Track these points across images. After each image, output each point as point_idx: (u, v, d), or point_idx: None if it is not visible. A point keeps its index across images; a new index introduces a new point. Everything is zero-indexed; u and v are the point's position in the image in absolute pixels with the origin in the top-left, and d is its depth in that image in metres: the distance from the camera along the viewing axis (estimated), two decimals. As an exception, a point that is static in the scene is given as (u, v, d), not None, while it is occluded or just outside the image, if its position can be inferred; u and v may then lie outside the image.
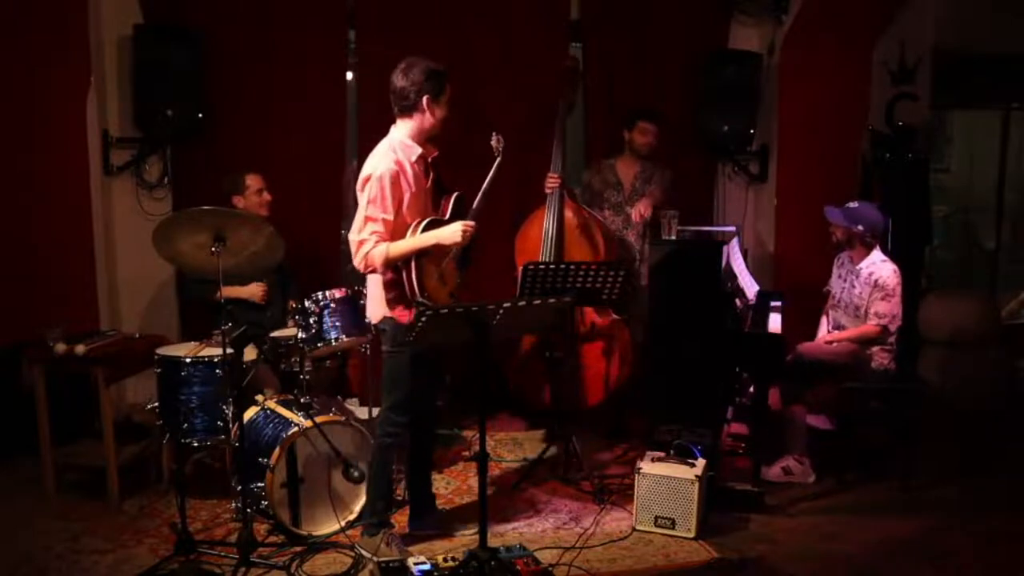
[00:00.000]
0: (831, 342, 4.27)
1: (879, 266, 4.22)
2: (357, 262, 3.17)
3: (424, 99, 3.19)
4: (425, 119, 3.23)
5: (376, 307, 3.31)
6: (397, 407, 3.30)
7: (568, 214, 4.55)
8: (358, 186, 3.21)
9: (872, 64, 5.70)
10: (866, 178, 5.67)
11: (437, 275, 3.24)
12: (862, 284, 4.24)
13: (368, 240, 3.12)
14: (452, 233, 3.15)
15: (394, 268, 3.17)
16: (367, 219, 3.14)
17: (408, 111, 3.23)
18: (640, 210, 4.68)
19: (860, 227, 4.26)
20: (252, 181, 4.35)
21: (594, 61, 5.42)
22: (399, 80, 3.21)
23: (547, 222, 4.54)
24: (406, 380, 3.28)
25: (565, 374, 4.37)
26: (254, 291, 4.32)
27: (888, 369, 4.23)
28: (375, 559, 3.21)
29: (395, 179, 3.15)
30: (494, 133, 3.34)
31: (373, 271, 3.19)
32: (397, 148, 3.22)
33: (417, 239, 3.15)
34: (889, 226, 4.74)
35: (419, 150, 3.25)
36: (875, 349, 4.22)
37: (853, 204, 4.37)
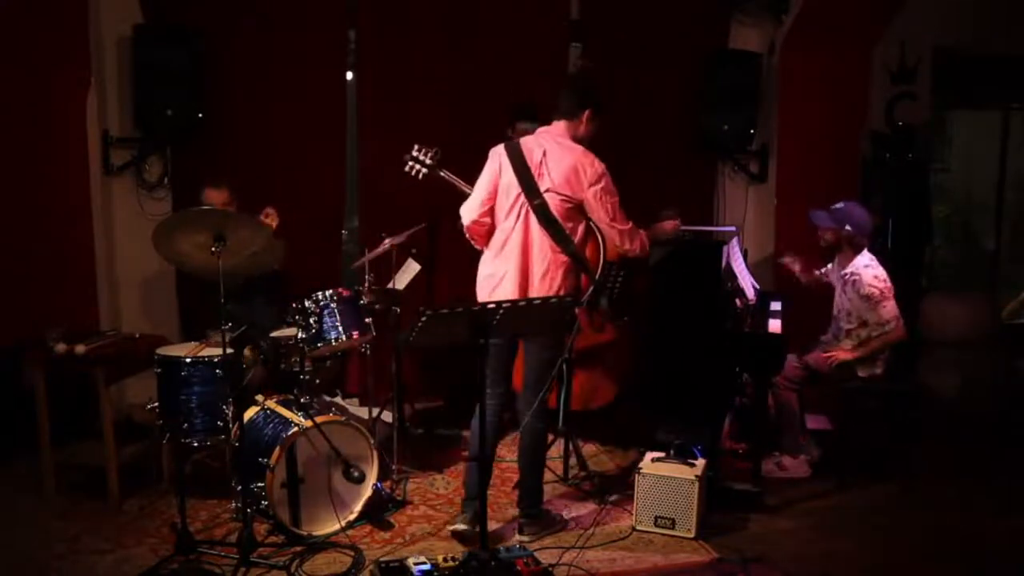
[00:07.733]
0: (845, 360, 4.12)
1: (861, 272, 4.13)
2: (633, 246, 3.35)
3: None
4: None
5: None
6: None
7: None
8: (589, 179, 3.26)
9: (872, 64, 5.71)
10: (866, 178, 5.66)
11: None
12: (849, 289, 4.19)
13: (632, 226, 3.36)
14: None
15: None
16: (618, 206, 3.31)
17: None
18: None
19: (848, 228, 4.18)
20: (211, 196, 4.22)
21: (594, 61, 5.41)
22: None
23: None
24: None
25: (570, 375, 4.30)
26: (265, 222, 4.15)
27: (874, 374, 4.17)
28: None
29: None
30: None
31: (643, 255, 3.43)
32: None
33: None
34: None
35: None
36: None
37: (839, 204, 4.27)
